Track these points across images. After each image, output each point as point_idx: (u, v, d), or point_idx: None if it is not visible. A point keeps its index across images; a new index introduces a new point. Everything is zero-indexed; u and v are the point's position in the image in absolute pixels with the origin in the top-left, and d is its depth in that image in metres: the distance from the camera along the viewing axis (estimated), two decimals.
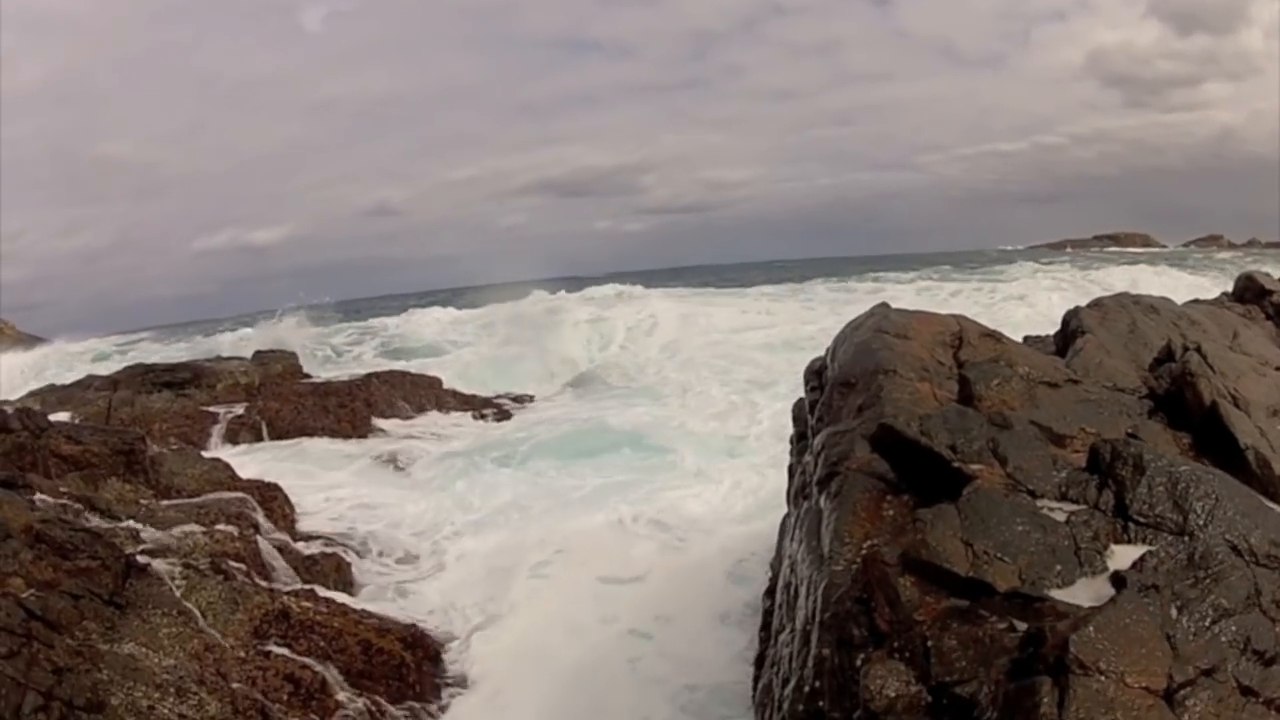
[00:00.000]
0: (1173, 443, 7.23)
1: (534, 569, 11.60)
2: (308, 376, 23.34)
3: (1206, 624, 4.55)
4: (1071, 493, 5.72)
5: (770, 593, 8.53)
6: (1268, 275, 12.76)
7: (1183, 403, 7.57)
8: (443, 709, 9.06)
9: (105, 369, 24.51)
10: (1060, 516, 5.38)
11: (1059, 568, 5.02)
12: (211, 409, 19.65)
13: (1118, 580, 4.81)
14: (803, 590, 6.27)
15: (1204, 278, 41.62)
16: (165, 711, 6.96)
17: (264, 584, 9.35)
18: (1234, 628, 4.56)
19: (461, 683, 9.49)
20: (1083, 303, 10.33)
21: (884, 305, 9.34)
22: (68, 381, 23.03)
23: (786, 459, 9.87)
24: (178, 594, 8.33)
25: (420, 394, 22.18)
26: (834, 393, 8.13)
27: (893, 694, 4.58)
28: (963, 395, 7.48)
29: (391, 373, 23.28)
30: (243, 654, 8.21)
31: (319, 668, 8.42)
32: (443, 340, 30.51)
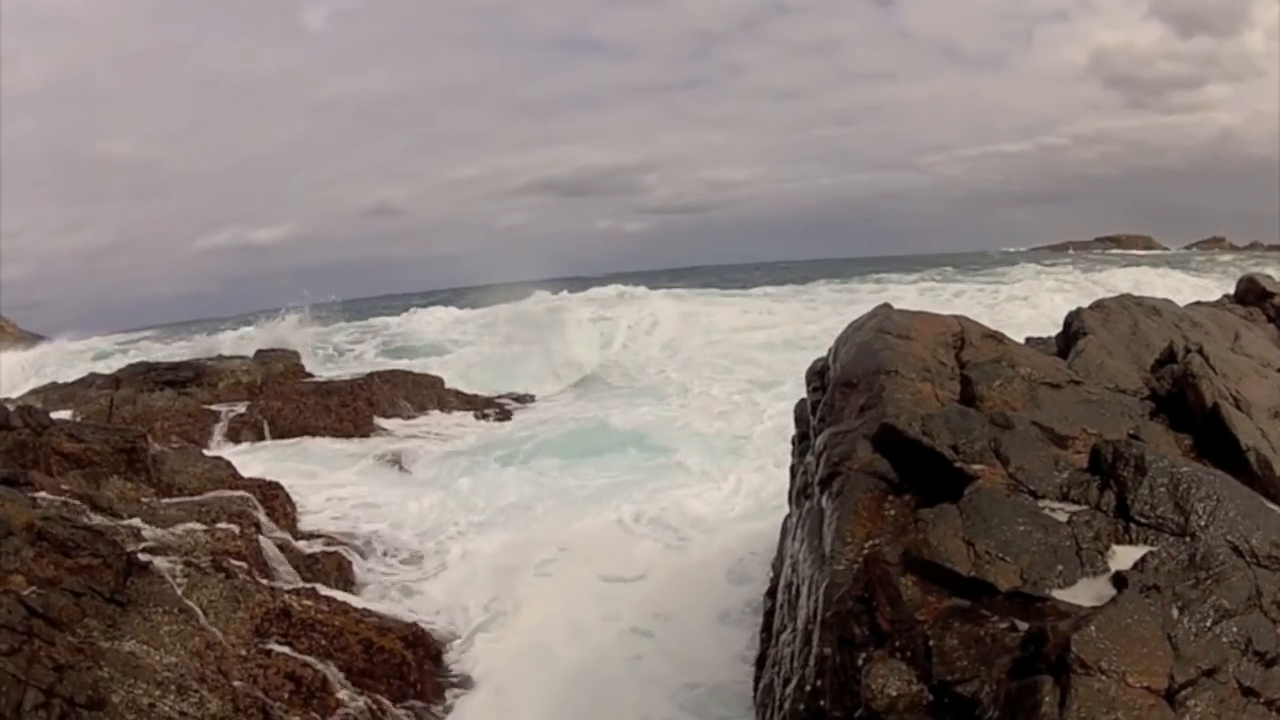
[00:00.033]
0: (1174, 444, 7.24)
1: (537, 568, 11.62)
2: (310, 376, 23.34)
3: (1208, 624, 4.55)
4: (1073, 493, 5.72)
5: (771, 593, 8.53)
6: (1269, 278, 12.76)
7: (1184, 404, 7.57)
8: (445, 708, 9.06)
9: (106, 367, 24.51)
10: (1062, 517, 5.38)
11: (1060, 568, 5.02)
12: (213, 408, 19.67)
13: (1119, 580, 4.81)
14: (804, 590, 6.28)
15: (1207, 279, 41.62)
16: (166, 709, 6.96)
17: (265, 582, 9.35)
18: (1235, 628, 4.55)
19: (463, 681, 9.49)
20: (1085, 304, 10.33)
21: (886, 306, 9.35)
22: (69, 380, 23.03)
23: (788, 459, 9.87)
24: (179, 592, 8.33)
25: (422, 393, 22.20)
26: (836, 393, 8.13)
27: (894, 693, 4.59)
28: (965, 396, 7.48)
29: (393, 372, 23.30)
30: (244, 652, 8.21)
31: (320, 666, 8.43)
32: (444, 340, 30.54)
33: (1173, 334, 9.24)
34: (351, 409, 19.88)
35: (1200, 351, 8.00)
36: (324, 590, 9.86)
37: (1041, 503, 5.63)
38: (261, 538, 10.24)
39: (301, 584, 9.85)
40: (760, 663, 7.89)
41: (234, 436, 18.55)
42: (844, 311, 21.03)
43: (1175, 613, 4.57)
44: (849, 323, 9.43)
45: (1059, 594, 4.87)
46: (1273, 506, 5.87)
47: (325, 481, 14.93)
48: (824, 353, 9.54)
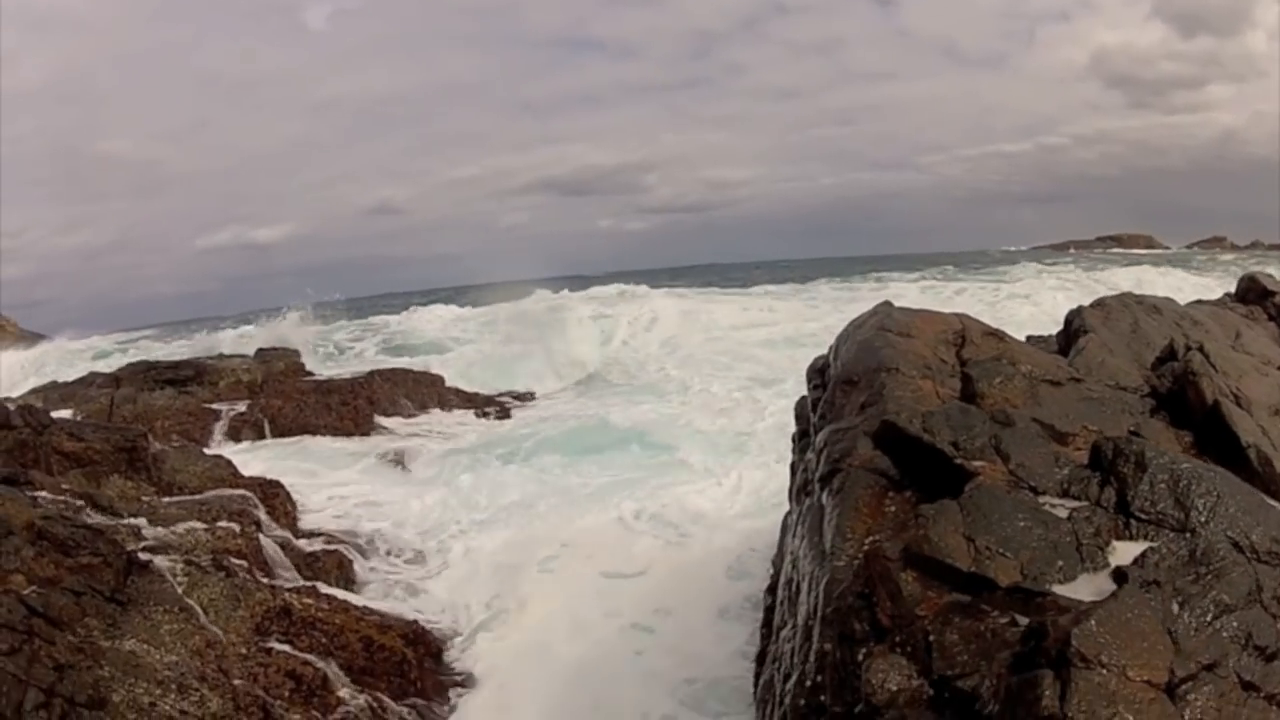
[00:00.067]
0: (1174, 441, 7.23)
1: (539, 565, 11.64)
2: (310, 374, 23.38)
3: (1208, 619, 4.54)
4: (1073, 489, 5.72)
5: (772, 589, 8.53)
6: (1270, 276, 12.77)
7: (1185, 401, 7.57)
8: (446, 705, 9.07)
9: (106, 366, 24.56)
10: (1062, 513, 5.38)
11: (1061, 563, 5.02)
12: (214, 406, 19.72)
13: (1119, 576, 4.80)
14: (805, 586, 6.28)
15: (1209, 278, 41.62)
16: (166, 708, 6.97)
17: (266, 581, 9.36)
18: (1235, 623, 4.54)
19: (464, 679, 9.51)
20: (1087, 302, 10.33)
21: (887, 304, 9.35)
22: (69, 379, 23.05)
23: (789, 456, 9.88)
24: (179, 591, 8.33)
25: (422, 392, 22.24)
26: (837, 390, 8.14)
27: (894, 688, 4.59)
28: (965, 393, 7.48)
29: (394, 370, 23.37)
30: (244, 650, 8.21)
31: (320, 664, 8.43)
32: (445, 338, 30.55)
33: (1173, 332, 9.24)
34: (352, 407, 19.91)
35: (1201, 349, 8.00)
36: (324, 588, 9.88)
37: (1042, 499, 5.62)
38: (262, 536, 10.25)
39: (302, 582, 9.85)
40: (761, 659, 7.90)
41: (234, 435, 18.57)
42: (845, 309, 21.07)
43: (1175, 608, 4.56)
44: (850, 320, 9.43)
45: (1059, 589, 4.86)
46: (1273, 503, 5.86)
47: (326, 480, 14.94)
48: (824, 350, 9.55)
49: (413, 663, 9.18)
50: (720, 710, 8.51)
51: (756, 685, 7.54)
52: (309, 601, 9.22)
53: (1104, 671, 3.96)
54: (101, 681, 6.81)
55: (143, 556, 8.45)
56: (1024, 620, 4.54)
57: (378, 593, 10.85)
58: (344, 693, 8.30)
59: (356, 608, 9.71)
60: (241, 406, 19.68)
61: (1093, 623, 4.09)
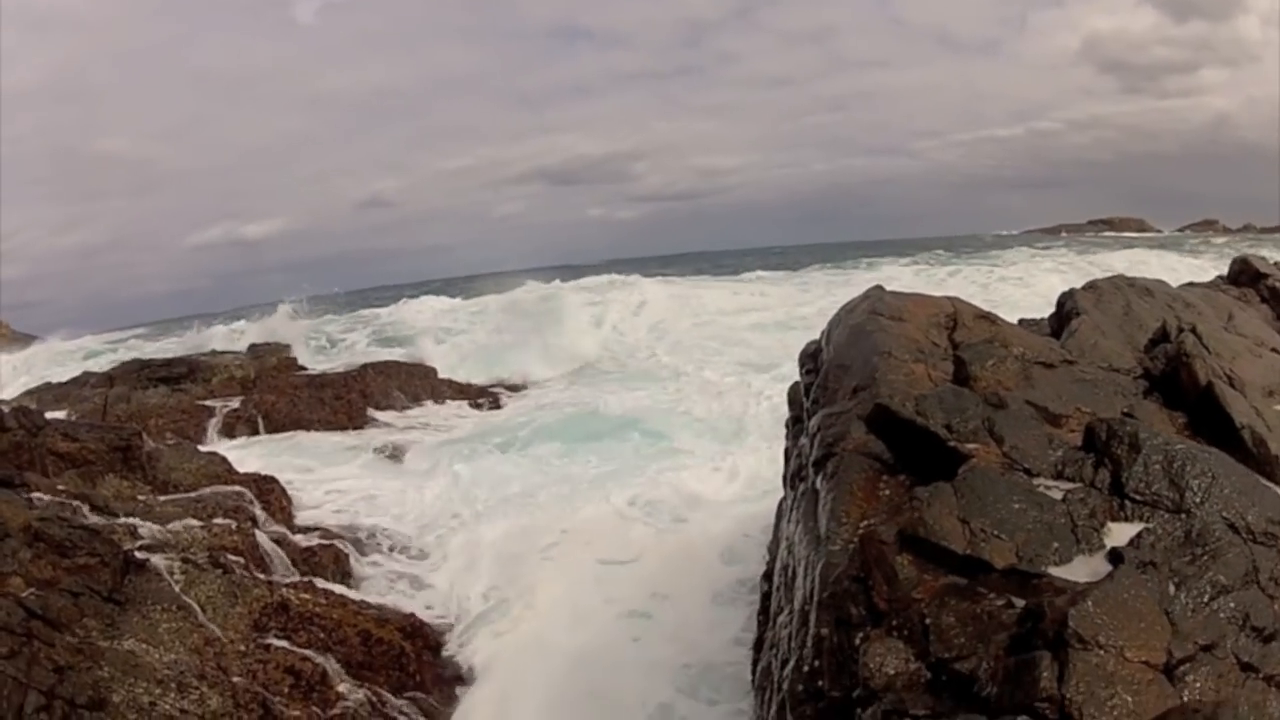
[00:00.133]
0: (1168, 422, 7.24)
1: (538, 555, 11.66)
2: (303, 369, 23.35)
3: (1205, 600, 4.55)
4: (1068, 471, 5.72)
5: (768, 576, 8.55)
6: (1263, 259, 12.82)
7: (1178, 383, 7.57)
8: (445, 697, 9.08)
9: (96, 367, 24.45)
10: (1057, 494, 5.38)
11: (1056, 545, 5.02)
12: (207, 403, 19.68)
13: (1115, 557, 4.80)
14: (800, 571, 6.29)
15: (1203, 259, 41.62)
16: (167, 707, 6.98)
17: (263, 577, 9.36)
18: (1232, 604, 4.56)
19: (463, 670, 9.52)
20: (1080, 285, 10.34)
21: (878, 288, 9.35)
22: (60, 379, 22.98)
23: (783, 441, 9.88)
24: (177, 589, 8.34)
25: (416, 384, 22.21)
26: (829, 375, 8.15)
27: (892, 671, 4.59)
28: (958, 376, 7.48)
29: (386, 363, 23.31)
30: (243, 647, 8.22)
31: (319, 659, 8.44)
32: (437, 329, 30.45)
33: (1166, 314, 9.24)
34: (345, 401, 19.91)
35: (1194, 331, 8.01)
36: (321, 583, 9.88)
37: (1036, 481, 5.63)
38: (258, 532, 10.24)
39: (299, 577, 9.85)
40: (758, 646, 7.92)
41: (228, 431, 18.55)
42: (837, 293, 21.07)
43: (1172, 589, 4.57)
44: (842, 305, 9.44)
45: (1055, 571, 4.87)
46: (1268, 484, 5.87)
47: (322, 475, 14.94)
48: (816, 334, 9.56)
49: (411, 656, 9.20)
50: (718, 697, 8.53)
51: (754, 672, 7.55)
52: (306, 597, 9.22)
53: (1102, 652, 3.97)
54: (101, 682, 6.82)
55: (140, 556, 8.45)
56: (1020, 602, 4.55)
57: (376, 587, 10.85)
58: (343, 687, 8.32)
59: (354, 602, 9.72)
60: (235, 402, 19.65)
61: (1089, 603, 4.10)
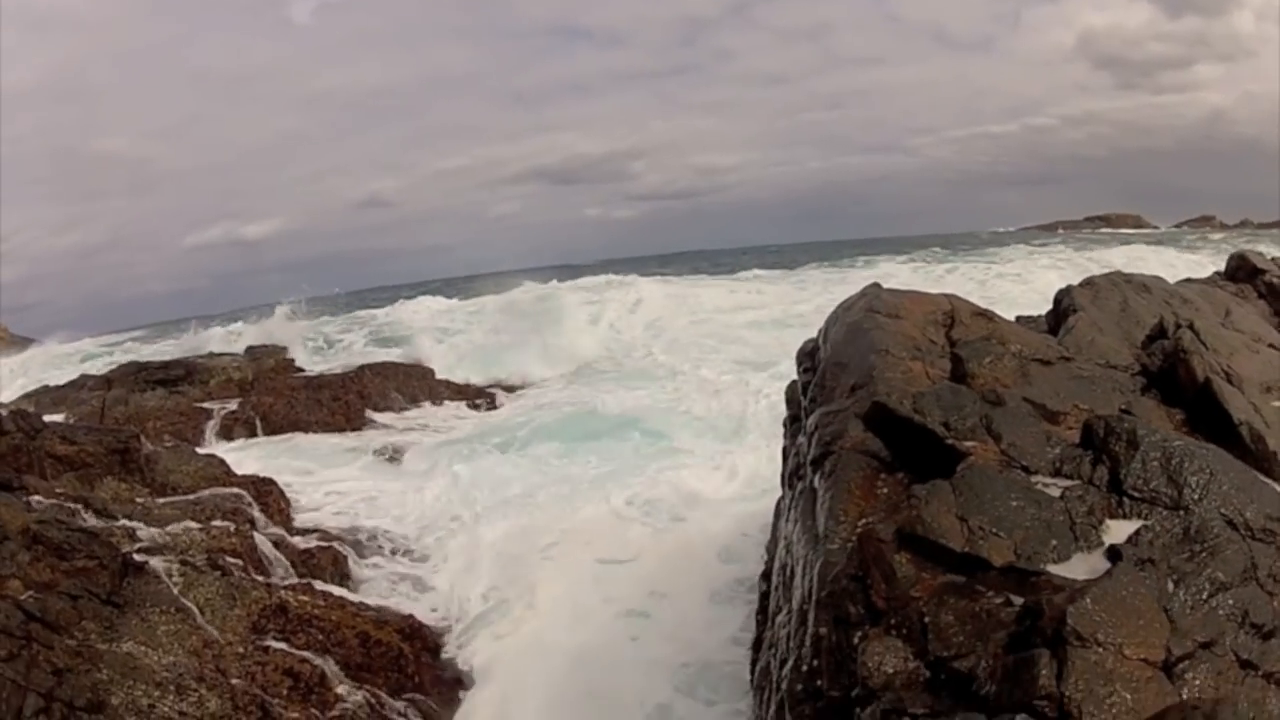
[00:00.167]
0: (1166, 419, 7.24)
1: (537, 555, 11.67)
2: (300, 370, 23.34)
3: (1204, 597, 4.55)
4: (1066, 468, 5.71)
5: (766, 575, 8.55)
6: (1260, 255, 12.83)
7: (1175, 379, 7.57)
8: (444, 699, 9.07)
9: (93, 370, 24.44)
10: (1055, 492, 5.38)
11: (1054, 543, 5.02)
12: (205, 405, 19.68)
13: (1114, 554, 4.80)
14: (799, 570, 6.29)
15: (1200, 256, 41.57)
16: (166, 709, 6.97)
17: (261, 579, 9.35)
18: (1231, 601, 4.55)
19: (462, 671, 9.53)
20: (1078, 281, 10.33)
21: (875, 285, 9.35)
22: (56, 383, 22.97)
23: (781, 440, 9.88)
24: (175, 591, 8.33)
25: (413, 385, 22.21)
26: (827, 373, 8.14)
27: (891, 670, 4.59)
28: (955, 373, 7.47)
29: (384, 364, 23.32)
30: (241, 649, 8.21)
31: (318, 661, 8.43)
32: (435, 330, 30.41)
33: (1163, 310, 9.24)
34: (343, 403, 19.92)
35: (1191, 327, 8.01)
36: (320, 585, 9.88)
37: (1034, 478, 5.62)
38: (256, 534, 10.24)
39: (297, 579, 9.85)
40: (757, 645, 7.92)
41: (226, 434, 18.55)
42: (834, 291, 21.07)
43: (1171, 586, 4.57)
44: (839, 303, 9.43)
45: (1053, 569, 4.87)
46: (1266, 480, 5.87)
47: (320, 477, 14.95)
48: (812, 332, 9.56)
49: (410, 658, 9.20)
50: (716, 697, 8.54)
51: (753, 672, 7.54)
52: (305, 599, 9.22)
53: (1100, 650, 3.97)
54: (100, 685, 6.82)
55: (138, 558, 8.45)
56: (1019, 600, 4.54)
57: (375, 589, 10.85)
58: (341, 689, 8.31)
59: (352, 604, 9.72)
60: (233, 405, 19.66)
61: (1088, 601, 4.10)
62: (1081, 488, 5.42)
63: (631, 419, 18.46)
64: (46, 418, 12.37)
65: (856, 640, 4.92)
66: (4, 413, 11.42)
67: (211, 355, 24.04)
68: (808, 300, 31.79)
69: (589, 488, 14.17)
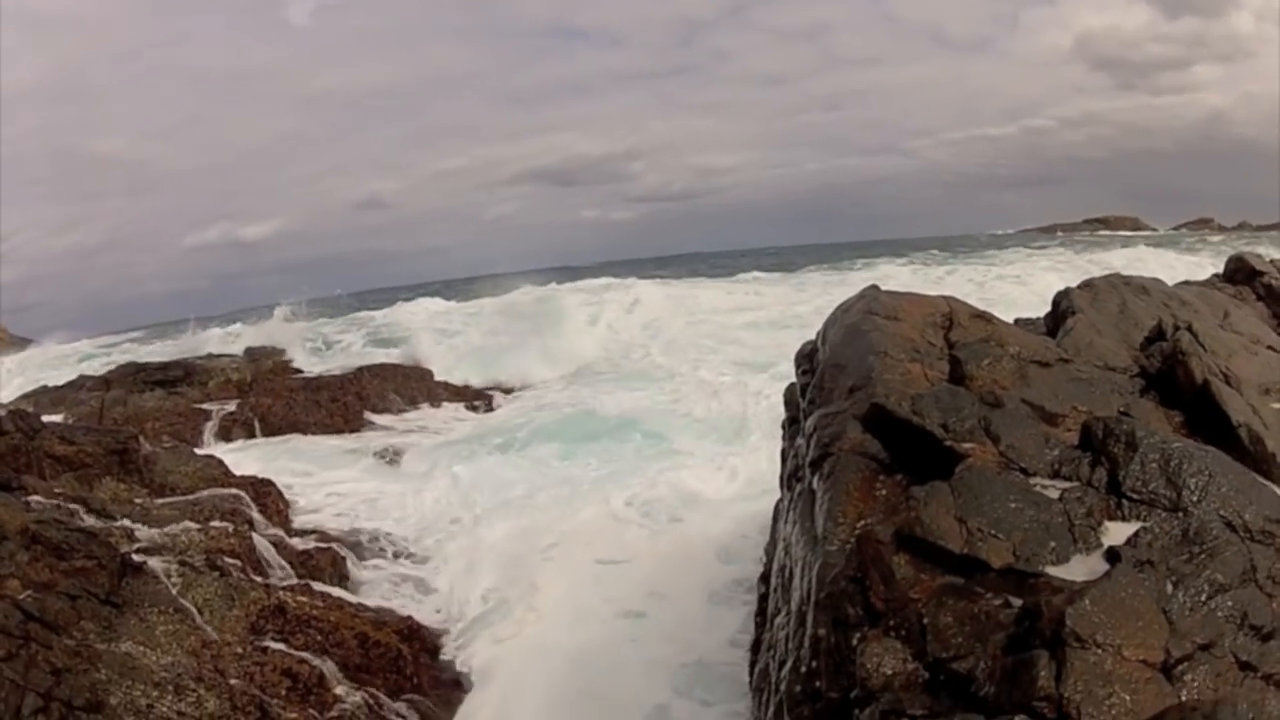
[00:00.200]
0: (1165, 421, 7.24)
1: (536, 556, 11.66)
2: (299, 372, 23.35)
3: (1203, 599, 4.55)
4: (1064, 470, 5.72)
5: (765, 578, 8.55)
6: (1259, 256, 12.84)
7: (1174, 381, 7.57)
8: (443, 700, 9.06)
9: (91, 370, 24.44)
10: (1054, 494, 5.38)
11: (1053, 544, 5.02)
12: (204, 406, 19.69)
13: (1112, 556, 4.80)
14: (797, 571, 6.29)
15: (1200, 257, 41.59)
16: (164, 709, 6.97)
17: (260, 579, 9.35)
18: (1230, 603, 4.55)
19: (461, 673, 9.51)
20: (1077, 283, 10.34)
21: (874, 287, 9.34)
22: (56, 383, 22.98)
23: (779, 442, 9.89)
24: (174, 591, 8.33)
25: (412, 386, 22.21)
26: (825, 375, 8.14)
27: (889, 671, 4.59)
28: (954, 375, 7.47)
29: (383, 366, 23.32)
30: (240, 650, 8.21)
31: (316, 662, 8.42)
32: (433, 332, 30.43)
33: (1161, 312, 9.24)
34: (342, 404, 19.94)
35: (1189, 329, 8.01)
36: (318, 586, 9.88)
37: (1033, 480, 5.62)
38: (255, 535, 10.24)
39: (296, 580, 9.85)
40: (755, 647, 7.91)
41: (225, 435, 18.55)
42: (833, 292, 21.08)
43: (1170, 587, 4.57)
44: (837, 305, 9.44)
45: (1052, 570, 4.87)
46: (1265, 482, 5.87)
47: (319, 478, 14.94)
48: (811, 334, 9.56)
49: (409, 659, 9.19)
50: (713, 698, 8.54)
51: (752, 674, 7.55)
52: (303, 599, 9.21)
53: (1099, 651, 3.98)
54: (99, 684, 6.81)
55: (137, 558, 8.45)
56: (1018, 601, 4.55)
57: (374, 590, 10.85)
58: (340, 690, 8.31)
59: (351, 604, 9.72)
60: (231, 406, 19.67)
61: (1087, 602, 4.10)
62: (1080, 489, 5.42)
63: (631, 420, 18.47)
64: (45, 418, 12.37)
65: (855, 642, 4.92)
66: (3, 413, 11.43)
67: (210, 356, 24.05)
68: (806, 302, 31.81)
69: (588, 489, 14.18)
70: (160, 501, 10.52)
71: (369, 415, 20.08)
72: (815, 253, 75.04)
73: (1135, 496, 5.32)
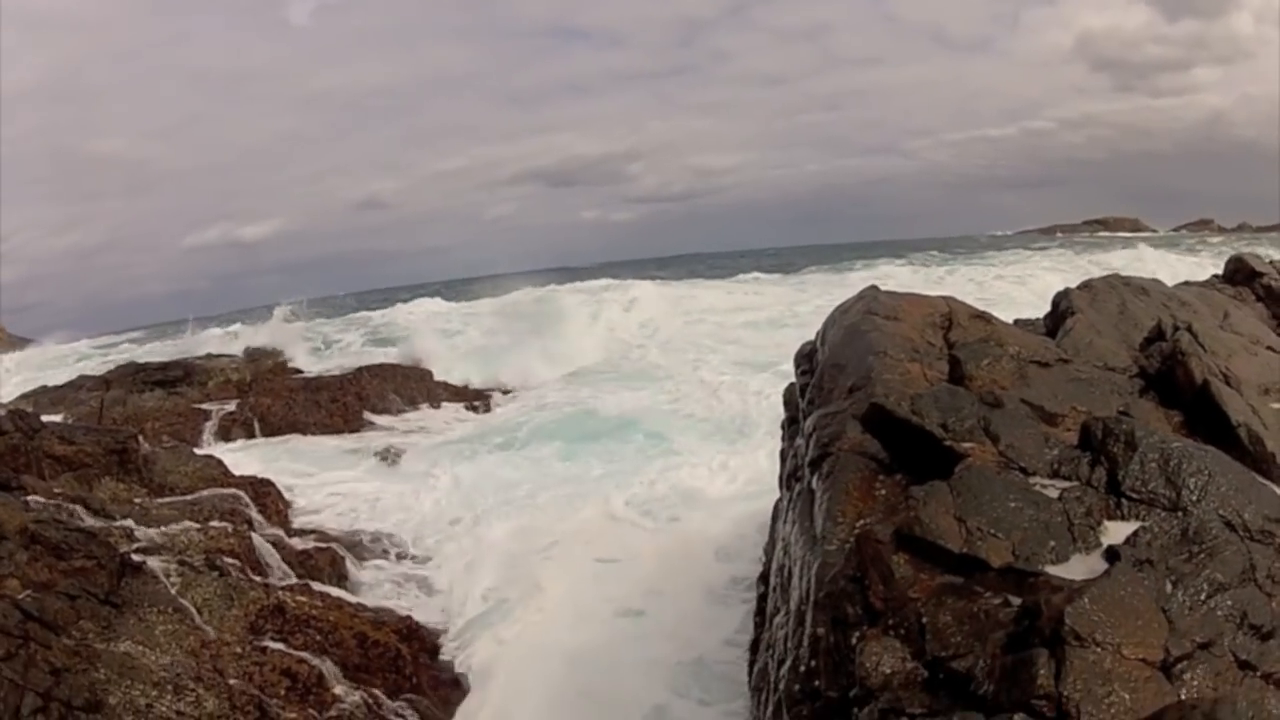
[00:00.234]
0: (1164, 421, 7.24)
1: (534, 556, 11.65)
2: (299, 372, 23.35)
3: (1202, 598, 4.55)
4: (1064, 470, 5.72)
5: (764, 577, 8.55)
6: (1258, 257, 12.84)
7: (1174, 381, 7.57)
8: (442, 699, 9.06)
9: (91, 370, 24.45)
10: (1053, 493, 5.38)
11: (1052, 543, 5.02)
12: (203, 406, 19.72)
13: (1112, 555, 4.81)
14: (796, 571, 6.28)
15: (1201, 258, 41.59)
16: (163, 709, 6.96)
17: (259, 579, 9.35)
18: (1230, 602, 4.55)
19: (460, 672, 9.51)
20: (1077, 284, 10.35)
21: (873, 288, 9.35)
22: (55, 383, 22.98)
23: (777, 443, 9.89)
24: (173, 591, 8.33)
25: (412, 386, 22.21)
26: (824, 375, 8.14)
27: (888, 670, 4.59)
28: (953, 375, 7.48)
29: (382, 366, 23.32)
30: (239, 650, 8.20)
31: (315, 661, 8.41)
32: (432, 332, 30.44)
33: (1161, 313, 9.24)
34: (341, 404, 19.95)
35: (1189, 329, 8.01)
36: (317, 586, 9.87)
37: (1032, 479, 5.63)
38: (254, 535, 10.24)
39: (295, 580, 9.85)
40: (754, 647, 7.91)
41: (225, 435, 18.57)
42: (833, 292, 21.10)
43: (1169, 586, 4.57)
44: (836, 305, 9.44)
45: (1052, 569, 4.87)
46: (1264, 481, 5.87)
47: (318, 479, 14.94)
48: (811, 333, 9.57)
49: (407, 658, 9.18)
50: (710, 698, 8.53)
51: (751, 673, 7.54)
52: (302, 599, 9.21)
53: (1099, 649, 3.98)
54: (98, 684, 6.81)
55: (136, 558, 8.44)
56: (1017, 601, 4.55)
57: (374, 590, 10.86)
58: (339, 690, 8.30)
59: (350, 604, 9.71)
60: (231, 406, 19.68)
61: (1086, 601, 4.10)
62: (1080, 489, 5.42)
63: (630, 420, 18.50)
64: (45, 418, 12.38)
65: (854, 641, 4.92)
66: (2, 413, 11.44)
67: (210, 356, 24.06)
68: (806, 301, 31.84)
69: (589, 488, 14.19)
70: (160, 501, 10.52)
71: (368, 415, 20.09)
72: (815, 253, 75.14)
73: (1134, 496, 5.32)
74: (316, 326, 31.74)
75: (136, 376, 21.32)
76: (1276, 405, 7.77)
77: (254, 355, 23.79)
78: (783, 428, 9.71)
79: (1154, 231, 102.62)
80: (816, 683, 5.18)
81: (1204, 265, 31.26)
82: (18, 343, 43.98)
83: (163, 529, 9.39)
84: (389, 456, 17.11)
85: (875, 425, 6.39)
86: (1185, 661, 4.14)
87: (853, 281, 26.60)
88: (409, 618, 9.92)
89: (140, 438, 12.26)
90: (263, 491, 12.04)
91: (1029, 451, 5.94)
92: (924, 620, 4.66)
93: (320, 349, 28.10)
